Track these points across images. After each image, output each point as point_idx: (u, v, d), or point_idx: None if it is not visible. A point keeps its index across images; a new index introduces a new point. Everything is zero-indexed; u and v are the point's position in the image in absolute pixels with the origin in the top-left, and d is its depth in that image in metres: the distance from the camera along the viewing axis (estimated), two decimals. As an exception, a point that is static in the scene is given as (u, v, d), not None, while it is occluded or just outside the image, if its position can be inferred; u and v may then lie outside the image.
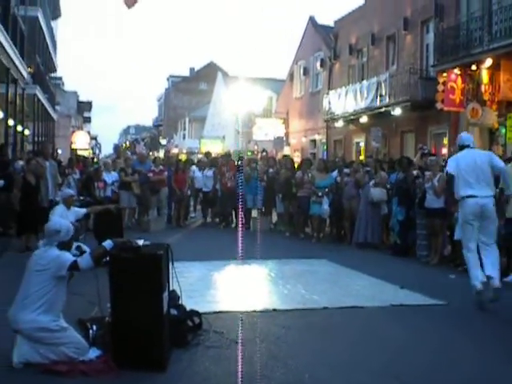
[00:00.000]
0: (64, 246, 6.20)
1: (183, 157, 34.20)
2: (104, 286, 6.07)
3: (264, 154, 22.72)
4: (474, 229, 9.08)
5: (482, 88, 19.76)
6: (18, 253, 12.36)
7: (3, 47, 19.59)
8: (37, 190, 13.20)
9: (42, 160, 13.68)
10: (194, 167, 20.26)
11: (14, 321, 5.89)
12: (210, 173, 19.57)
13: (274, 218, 19.05)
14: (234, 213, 19.17)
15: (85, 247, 9.77)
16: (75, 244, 6.77)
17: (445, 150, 21.28)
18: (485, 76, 19.69)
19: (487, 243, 9.04)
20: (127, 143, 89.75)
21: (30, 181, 13.10)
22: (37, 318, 5.82)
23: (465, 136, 10.02)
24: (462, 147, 9.58)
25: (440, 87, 20.51)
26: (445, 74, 20.54)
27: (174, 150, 58.80)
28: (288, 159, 19.63)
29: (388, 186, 14.80)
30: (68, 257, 6.06)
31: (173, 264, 6.23)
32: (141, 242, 6.13)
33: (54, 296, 5.95)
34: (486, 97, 19.59)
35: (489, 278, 8.75)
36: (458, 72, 20.29)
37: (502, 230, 10.84)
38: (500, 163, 9.34)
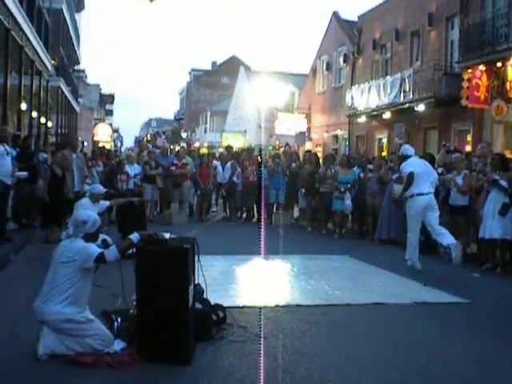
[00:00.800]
0: (90, 237, 6.20)
1: (204, 151, 34.24)
2: (128, 278, 6.08)
3: (287, 148, 22.67)
4: (420, 218, 11.56)
5: (507, 85, 19.61)
6: (41, 244, 12.46)
7: (28, 39, 19.71)
8: (63, 182, 13.24)
9: (68, 152, 13.72)
10: (215, 161, 20.25)
11: (40, 312, 5.91)
12: (229, 165, 19.58)
13: (295, 213, 19.02)
14: (255, 207, 19.17)
15: (110, 240, 9.86)
16: (101, 237, 6.78)
17: (468, 148, 21.08)
18: (510, 73, 19.54)
19: (435, 227, 11.41)
20: (148, 136, 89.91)
21: (56, 173, 13.15)
22: (63, 310, 5.83)
23: (408, 147, 12.87)
24: (407, 156, 12.12)
25: (465, 84, 20.37)
26: (469, 71, 20.39)
27: (196, 144, 58.89)
28: (312, 154, 19.58)
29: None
30: (94, 248, 6.07)
31: (198, 258, 6.23)
32: (167, 236, 6.13)
33: (80, 288, 5.96)
34: (511, 94, 19.43)
35: (451, 245, 11.22)
36: (483, 68, 20.14)
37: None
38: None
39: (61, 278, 5.90)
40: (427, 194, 11.42)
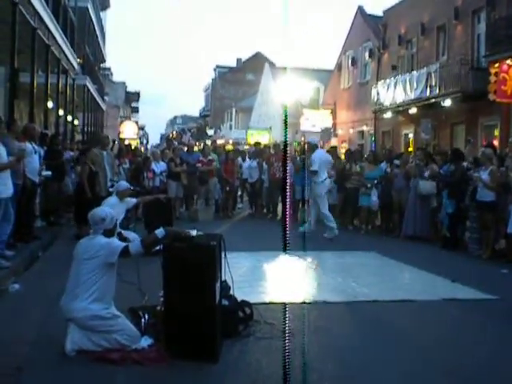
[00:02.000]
0: (109, 233, 6.28)
1: (229, 147, 34.26)
2: (156, 275, 6.08)
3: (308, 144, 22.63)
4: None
5: (535, 79, 19.40)
6: (68, 241, 12.54)
7: (54, 38, 19.84)
8: (95, 179, 13.29)
9: (98, 150, 13.79)
10: (239, 159, 20.27)
11: (66, 310, 5.94)
12: (254, 163, 19.57)
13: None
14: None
15: (126, 234, 9.86)
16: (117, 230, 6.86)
17: (496, 142, 20.88)
18: (537, 67, 19.32)
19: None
20: (174, 133, 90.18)
21: (93, 169, 13.19)
22: (89, 306, 5.87)
23: (312, 139, 16.41)
24: (315, 146, 15.27)
25: (492, 78, 20.16)
26: (496, 65, 20.20)
27: (221, 141, 59.01)
28: (347, 151, 19.61)
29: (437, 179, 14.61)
30: (118, 243, 6.16)
31: (225, 255, 6.22)
32: (194, 232, 6.13)
33: (104, 284, 6.00)
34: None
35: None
36: (510, 63, 19.91)
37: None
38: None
39: (85, 274, 5.94)
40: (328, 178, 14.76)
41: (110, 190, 12.68)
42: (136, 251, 6.00)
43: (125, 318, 6.15)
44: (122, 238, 6.49)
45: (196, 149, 27.51)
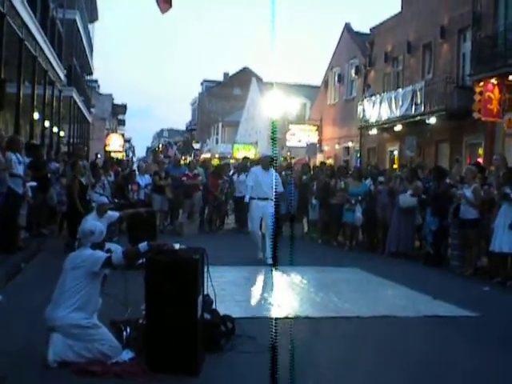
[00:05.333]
0: (97, 246, 6.36)
1: (216, 162, 34.31)
2: (139, 288, 6.09)
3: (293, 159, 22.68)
4: None
5: (520, 99, 19.56)
6: (51, 253, 12.53)
7: (42, 49, 19.86)
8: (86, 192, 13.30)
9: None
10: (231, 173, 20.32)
11: (49, 318, 6.00)
12: (242, 177, 19.57)
13: (305, 225, 18.99)
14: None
15: (115, 248, 9.85)
16: (107, 246, 6.89)
17: (480, 161, 21.02)
18: (522, 86, 19.49)
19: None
20: (160, 147, 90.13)
21: (82, 182, 13.20)
22: (69, 315, 5.91)
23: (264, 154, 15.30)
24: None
25: (477, 97, 20.31)
26: (481, 84, 20.35)
27: (207, 155, 58.97)
28: (328, 166, 19.64)
29: (423, 196, 14.70)
30: (101, 254, 6.23)
31: (208, 268, 6.23)
32: (177, 246, 6.15)
33: (87, 294, 6.04)
34: (523, 108, 19.40)
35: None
36: (495, 82, 20.08)
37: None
38: None
39: (69, 283, 6.02)
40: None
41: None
42: (118, 262, 6.07)
43: (106, 329, 6.15)
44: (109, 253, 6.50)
45: (182, 162, 27.49)
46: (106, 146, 55.47)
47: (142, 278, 5.95)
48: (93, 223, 6.73)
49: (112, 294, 6.60)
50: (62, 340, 5.90)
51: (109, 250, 6.82)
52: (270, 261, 12.17)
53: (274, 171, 13.50)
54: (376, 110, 28.27)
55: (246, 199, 13.81)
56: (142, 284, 5.92)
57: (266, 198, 13.22)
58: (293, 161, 32.71)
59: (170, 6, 10.74)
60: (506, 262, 11.81)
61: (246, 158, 22.84)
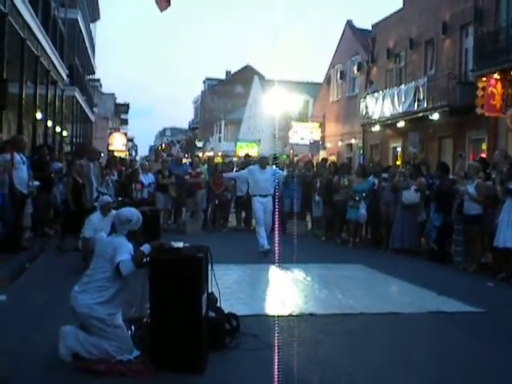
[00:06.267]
0: (132, 234, 6.33)
1: (218, 160, 34.29)
2: (143, 287, 6.09)
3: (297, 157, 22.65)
4: None
5: (522, 94, 19.53)
6: (55, 253, 12.54)
7: (44, 49, 19.85)
8: (81, 190, 13.33)
9: (85, 161, 13.82)
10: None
11: (73, 300, 6.01)
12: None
13: (309, 222, 18.99)
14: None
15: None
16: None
17: (483, 156, 21.00)
18: (525, 81, 19.46)
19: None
20: (163, 145, 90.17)
21: (78, 181, 13.23)
22: (94, 307, 5.92)
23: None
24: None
25: (479, 92, 20.26)
26: (484, 79, 20.31)
27: (210, 153, 58.97)
28: (331, 163, 19.62)
29: (427, 192, 14.69)
30: (122, 256, 5.96)
31: (212, 266, 6.23)
32: (181, 244, 6.15)
33: (115, 290, 6.06)
34: (526, 103, 19.37)
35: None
36: (498, 77, 20.04)
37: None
38: None
39: (100, 273, 6.02)
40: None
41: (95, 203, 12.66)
42: (130, 271, 5.94)
43: (124, 330, 6.16)
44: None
45: (185, 161, 27.49)
46: (108, 145, 55.47)
47: (144, 276, 5.94)
48: (130, 210, 6.59)
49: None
50: (73, 334, 5.95)
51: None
52: (266, 245, 13.33)
53: (272, 168, 14.38)
54: (379, 106, 28.22)
55: (225, 177, 16.61)
56: (146, 282, 5.92)
57: (266, 195, 14.00)
58: (296, 158, 32.71)
59: (169, 4, 10.77)
60: (510, 257, 11.77)
61: (247, 156, 22.83)
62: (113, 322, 6.02)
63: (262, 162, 14.47)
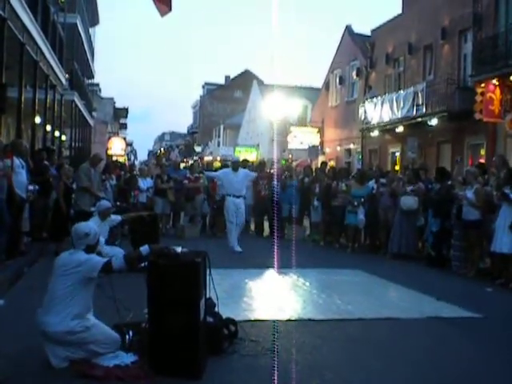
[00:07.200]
0: (91, 249, 6.27)
1: (217, 164, 34.26)
2: (142, 292, 6.08)
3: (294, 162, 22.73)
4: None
5: (521, 99, 19.55)
6: (53, 257, 12.51)
7: (43, 54, 19.86)
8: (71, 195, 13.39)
9: (87, 166, 13.86)
10: None
11: (41, 323, 5.94)
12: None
13: (307, 227, 18.99)
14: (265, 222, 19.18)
15: (111, 249, 9.81)
16: (105, 250, 6.85)
17: (482, 161, 21.01)
18: (523, 87, 19.48)
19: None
20: (162, 150, 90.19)
21: (68, 185, 13.28)
22: (62, 322, 5.87)
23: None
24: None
25: (478, 98, 20.30)
26: (483, 85, 20.35)
27: (208, 158, 58.93)
28: (331, 168, 19.68)
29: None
30: (99, 258, 6.14)
31: (210, 272, 6.22)
32: (179, 249, 6.14)
33: (82, 299, 6.01)
34: (525, 108, 19.39)
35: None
36: (497, 82, 20.09)
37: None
38: None
39: (60, 289, 5.95)
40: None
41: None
42: (119, 267, 6.02)
43: (99, 326, 6.15)
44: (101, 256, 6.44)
45: (183, 165, 27.51)
46: (107, 149, 55.44)
47: (142, 280, 5.94)
48: (87, 225, 6.56)
49: (115, 297, 6.58)
50: (55, 344, 5.92)
51: (99, 253, 6.75)
52: (237, 248, 14.64)
53: (244, 171, 15.93)
54: (377, 111, 28.26)
55: (206, 175, 17.71)
56: (144, 287, 5.91)
57: (239, 196, 15.15)
58: (294, 163, 32.72)
59: (170, 9, 10.77)
60: (508, 262, 11.74)
61: (245, 161, 22.82)
62: (83, 325, 5.98)
63: (234, 165, 15.59)
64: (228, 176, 15.32)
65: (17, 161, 11.68)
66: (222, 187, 17.50)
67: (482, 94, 20.19)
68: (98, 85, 62.50)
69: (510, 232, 11.37)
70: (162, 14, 10.76)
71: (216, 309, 6.84)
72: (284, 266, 10.92)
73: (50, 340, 5.90)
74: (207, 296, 6.33)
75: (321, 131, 39.11)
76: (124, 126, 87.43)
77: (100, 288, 6.40)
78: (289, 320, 8.19)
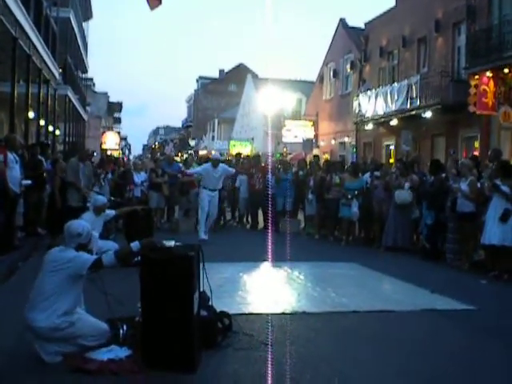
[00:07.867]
0: (82, 248, 6.28)
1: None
2: (136, 286, 6.07)
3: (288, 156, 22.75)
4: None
5: (515, 91, 19.57)
6: (47, 252, 12.50)
7: (36, 48, 19.78)
8: (67, 189, 13.37)
9: (76, 160, 13.83)
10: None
11: (27, 318, 5.95)
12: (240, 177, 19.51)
13: (301, 220, 18.99)
14: (260, 215, 19.17)
15: (104, 243, 9.80)
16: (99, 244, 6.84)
17: (476, 154, 21.03)
18: (517, 79, 19.50)
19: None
20: (157, 144, 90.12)
21: (64, 180, 13.27)
22: (48, 318, 5.87)
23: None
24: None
25: (472, 90, 20.34)
26: (477, 77, 20.38)
27: (203, 152, 58.95)
28: (325, 161, 19.68)
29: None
30: (88, 256, 6.15)
31: (203, 265, 6.21)
32: (172, 243, 6.13)
33: (68, 296, 6.01)
34: (518, 100, 19.41)
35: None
36: (490, 75, 20.11)
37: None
38: None
39: (47, 286, 5.95)
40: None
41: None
42: (109, 263, 6.02)
43: (85, 319, 6.17)
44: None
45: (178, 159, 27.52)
46: (101, 144, 55.41)
47: (136, 275, 5.92)
48: (80, 224, 6.54)
49: (109, 292, 6.57)
50: (44, 340, 5.92)
51: (90, 251, 6.73)
52: (203, 236, 15.14)
53: (223, 167, 16.32)
54: (372, 104, 28.28)
55: (188, 172, 17.42)
56: (138, 281, 5.90)
57: (215, 189, 15.84)
58: (289, 156, 32.72)
59: (160, 2, 10.75)
60: (499, 254, 11.74)
61: (238, 155, 22.91)
62: (68, 321, 5.97)
63: (214, 161, 16.08)
64: (208, 172, 15.81)
65: (10, 155, 11.65)
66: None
67: (476, 86, 20.21)
68: (91, 79, 62.39)
69: (499, 223, 11.38)
70: (152, 7, 10.74)
71: (210, 302, 6.83)
72: (278, 260, 10.94)
73: (37, 336, 5.90)
74: (201, 289, 6.32)
75: (315, 124, 39.14)
76: (118, 121, 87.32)
77: (93, 282, 6.39)
78: (283, 313, 8.19)
